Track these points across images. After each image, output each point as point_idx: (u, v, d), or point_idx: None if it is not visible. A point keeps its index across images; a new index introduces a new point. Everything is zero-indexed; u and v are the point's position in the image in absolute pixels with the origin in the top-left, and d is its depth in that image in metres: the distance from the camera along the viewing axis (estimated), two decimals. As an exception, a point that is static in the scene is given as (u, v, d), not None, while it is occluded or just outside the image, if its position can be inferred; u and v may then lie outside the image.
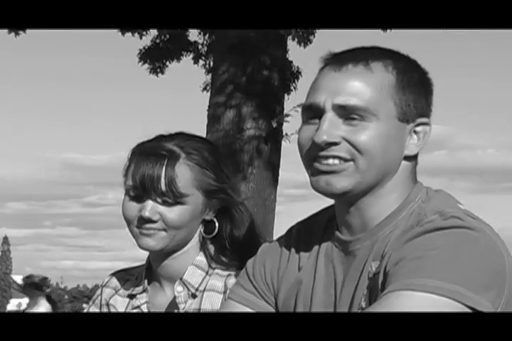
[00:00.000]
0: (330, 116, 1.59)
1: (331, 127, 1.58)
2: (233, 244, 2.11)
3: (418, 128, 1.63)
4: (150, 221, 2.03)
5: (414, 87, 1.62)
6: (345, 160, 1.58)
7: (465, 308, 1.40)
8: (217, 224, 2.10)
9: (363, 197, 1.62)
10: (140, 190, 2.03)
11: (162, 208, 2.03)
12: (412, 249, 1.48)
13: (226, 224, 2.11)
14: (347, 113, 1.58)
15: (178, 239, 2.07)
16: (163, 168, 2.01)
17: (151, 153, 2.04)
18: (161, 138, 2.10)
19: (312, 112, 1.62)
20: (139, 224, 2.05)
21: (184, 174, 2.03)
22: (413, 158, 1.64)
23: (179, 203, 2.02)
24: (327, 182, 1.59)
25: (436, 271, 1.42)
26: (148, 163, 2.02)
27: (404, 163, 1.63)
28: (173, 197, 2.01)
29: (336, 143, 1.58)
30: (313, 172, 1.61)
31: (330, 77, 1.61)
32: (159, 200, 2.02)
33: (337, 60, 1.62)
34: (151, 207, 2.02)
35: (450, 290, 1.40)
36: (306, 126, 1.63)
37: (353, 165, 1.58)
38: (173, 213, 2.03)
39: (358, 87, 1.58)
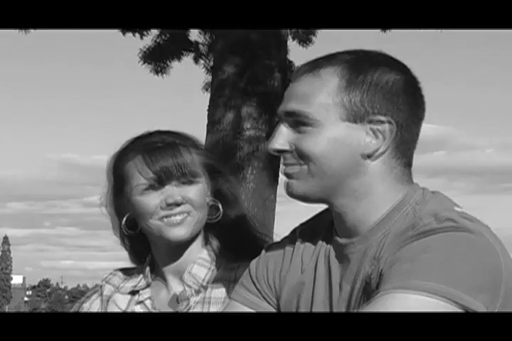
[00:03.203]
0: (282, 124, 1.63)
1: (281, 135, 1.63)
2: (229, 224, 2.15)
3: (379, 127, 1.60)
4: (177, 205, 2.06)
5: (370, 87, 1.59)
6: (299, 165, 1.61)
7: (457, 309, 1.40)
8: (221, 207, 2.15)
9: (337, 201, 1.62)
10: (158, 180, 2.07)
11: (182, 189, 2.08)
12: (407, 251, 1.47)
13: (224, 206, 2.16)
14: (294, 119, 1.61)
15: (199, 223, 2.11)
16: (177, 153, 2.09)
17: (156, 145, 2.10)
18: (143, 137, 2.16)
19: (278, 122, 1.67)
20: (164, 214, 2.07)
21: (192, 155, 2.11)
22: (384, 158, 1.61)
23: (193, 182, 2.10)
24: (288, 186, 1.64)
25: (430, 273, 1.42)
26: (160, 153, 2.08)
27: (372, 163, 1.60)
28: (189, 176, 2.08)
29: (286, 151, 1.62)
30: None
31: (288, 87, 1.66)
32: (177, 184, 2.08)
33: (296, 71, 1.66)
34: (173, 192, 2.07)
35: (443, 291, 1.39)
36: None
37: (306, 170, 1.61)
38: (193, 193, 2.09)
39: (302, 93, 1.61)
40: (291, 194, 1.64)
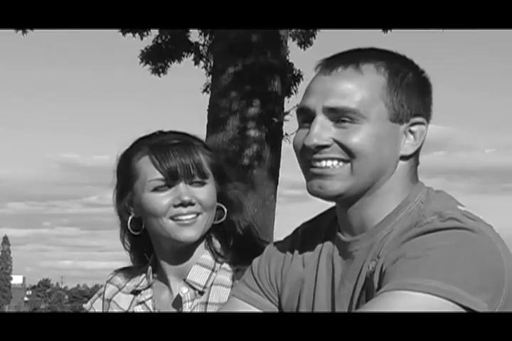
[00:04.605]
0: (320, 119, 1.59)
1: (322, 130, 1.58)
2: (231, 229, 2.15)
3: (413, 128, 1.62)
4: (189, 204, 2.06)
5: (408, 88, 1.61)
6: (339, 160, 1.58)
7: (461, 309, 1.40)
8: (225, 209, 2.15)
9: (360, 198, 1.61)
10: (173, 176, 2.06)
11: (194, 190, 2.08)
12: (410, 249, 1.47)
13: (228, 211, 2.16)
14: (337, 115, 1.58)
15: (208, 225, 2.10)
16: (193, 151, 2.09)
17: (172, 142, 2.10)
18: (155, 136, 2.15)
19: (304, 116, 1.63)
20: (176, 213, 2.06)
21: (201, 156, 2.10)
22: (411, 158, 1.64)
23: (204, 183, 2.09)
24: (320, 186, 1.60)
25: (434, 271, 1.42)
26: (178, 150, 2.08)
27: (401, 162, 1.62)
28: (201, 177, 2.08)
29: (327, 146, 1.58)
30: (308, 176, 1.62)
31: (320, 81, 1.62)
32: (190, 183, 2.07)
33: (328, 64, 1.63)
34: (187, 191, 2.07)
35: (447, 290, 1.40)
36: (300, 130, 1.64)
37: (347, 168, 1.58)
38: (204, 193, 2.09)
39: (348, 89, 1.58)
40: (323, 194, 1.60)
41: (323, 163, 1.59)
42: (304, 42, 11.85)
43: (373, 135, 1.57)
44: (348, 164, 1.58)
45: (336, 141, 1.58)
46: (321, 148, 1.59)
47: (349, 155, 1.58)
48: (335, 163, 1.59)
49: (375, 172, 1.59)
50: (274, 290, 1.76)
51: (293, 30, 11.29)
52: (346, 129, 1.58)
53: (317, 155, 1.59)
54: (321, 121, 1.59)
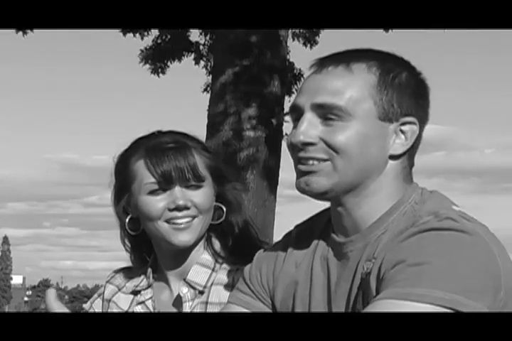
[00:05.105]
0: (308, 116, 1.60)
1: (308, 127, 1.59)
2: (230, 230, 2.14)
3: (404, 128, 1.61)
4: (184, 208, 2.05)
5: (400, 87, 1.61)
6: (323, 160, 1.58)
7: None
8: (224, 209, 2.14)
9: (348, 198, 1.61)
10: (168, 180, 2.05)
11: (189, 193, 2.07)
12: (409, 252, 1.47)
13: (227, 211, 2.15)
14: (325, 112, 1.58)
15: (204, 227, 2.10)
16: (189, 154, 2.07)
17: (168, 145, 2.08)
18: (153, 136, 2.14)
19: (295, 114, 1.63)
20: (171, 217, 2.06)
21: (198, 158, 2.09)
22: (402, 158, 1.63)
23: (200, 186, 2.08)
24: (306, 182, 1.60)
25: (436, 281, 1.41)
26: (174, 153, 2.06)
27: (391, 162, 1.61)
28: (197, 180, 2.06)
29: (312, 144, 1.58)
30: (297, 174, 1.62)
31: (311, 80, 1.63)
32: (186, 186, 2.06)
33: (320, 64, 1.64)
34: (182, 195, 2.05)
35: (450, 300, 1.39)
36: (293, 129, 1.64)
37: (330, 165, 1.58)
38: (200, 196, 2.07)
39: (336, 86, 1.58)
40: (309, 191, 1.60)
41: (310, 162, 1.59)
42: (310, 41, 11.86)
43: (360, 133, 1.57)
44: (333, 161, 1.58)
45: (322, 140, 1.58)
46: (307, 145, 1.59)
47: (334, 152, 1.57)
48: (320, 161, 1.58)
49: (360, 170, 1.59)
50: (266, 292, 1.76)
51: (293, 31, 11.30)
52: (333, 127, 1.58)
53: (303, 154, 1.60)
54: (308, 118, 1.59)
